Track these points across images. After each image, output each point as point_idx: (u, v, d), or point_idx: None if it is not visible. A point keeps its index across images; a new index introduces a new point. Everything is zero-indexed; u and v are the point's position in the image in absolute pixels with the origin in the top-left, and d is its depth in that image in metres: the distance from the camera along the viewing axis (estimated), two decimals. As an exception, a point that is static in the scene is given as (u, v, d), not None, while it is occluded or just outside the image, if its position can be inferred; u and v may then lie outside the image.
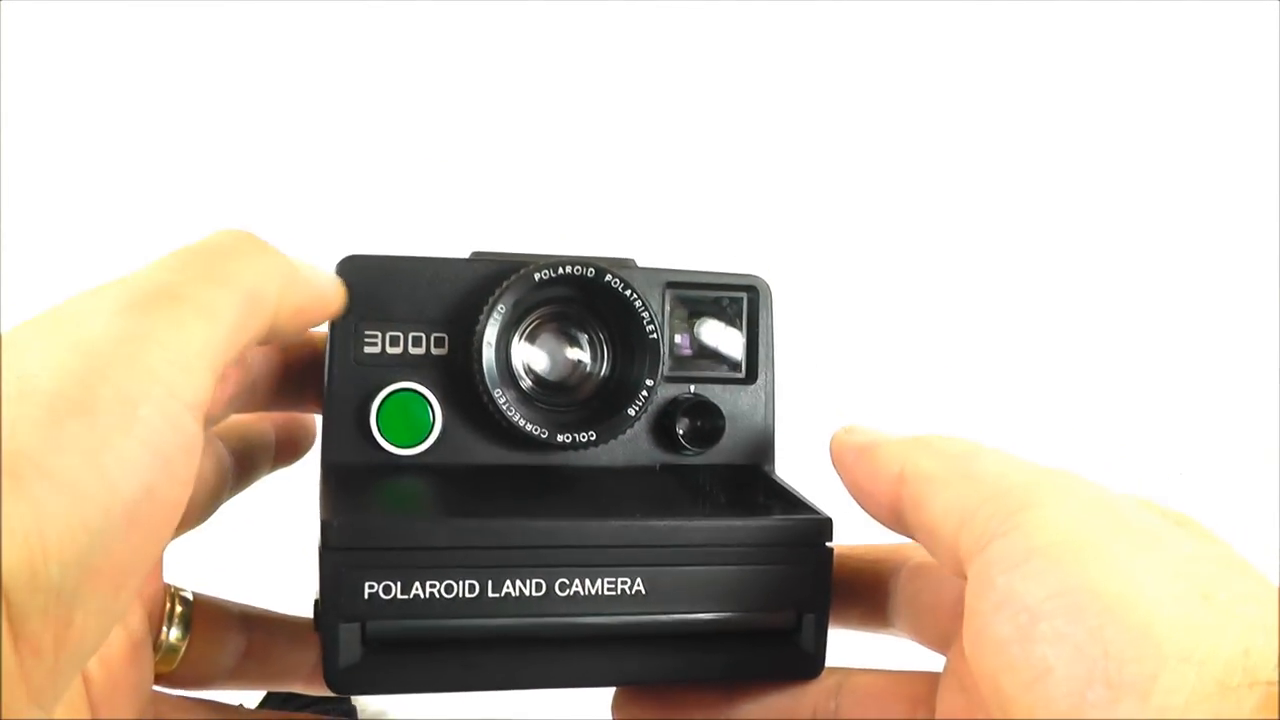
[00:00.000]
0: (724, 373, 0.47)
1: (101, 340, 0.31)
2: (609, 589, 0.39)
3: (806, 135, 0.92)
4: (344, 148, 0.87)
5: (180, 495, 0.33)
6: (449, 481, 0.43)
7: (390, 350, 0.44)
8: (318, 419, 0.48)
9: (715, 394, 0.46)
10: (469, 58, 0.89)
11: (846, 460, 0.40)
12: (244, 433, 0.47)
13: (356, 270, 0.44)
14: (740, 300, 0.47)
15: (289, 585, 0.54)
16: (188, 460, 0.32)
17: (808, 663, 0.41)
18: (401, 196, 0.85)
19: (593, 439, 0.44)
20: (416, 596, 0.38)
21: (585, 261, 0.43)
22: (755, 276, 0.47)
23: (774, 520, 0.41)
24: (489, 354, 0.43)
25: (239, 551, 0.60)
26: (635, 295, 0.44)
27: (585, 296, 0.45)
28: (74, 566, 0.29)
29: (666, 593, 0.40)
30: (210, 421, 0.41)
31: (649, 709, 0.44)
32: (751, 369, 0.47)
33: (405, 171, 0.86)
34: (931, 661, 0.42)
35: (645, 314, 0.44)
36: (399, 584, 0.37)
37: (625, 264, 0.46)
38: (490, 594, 0.38)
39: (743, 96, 0.92)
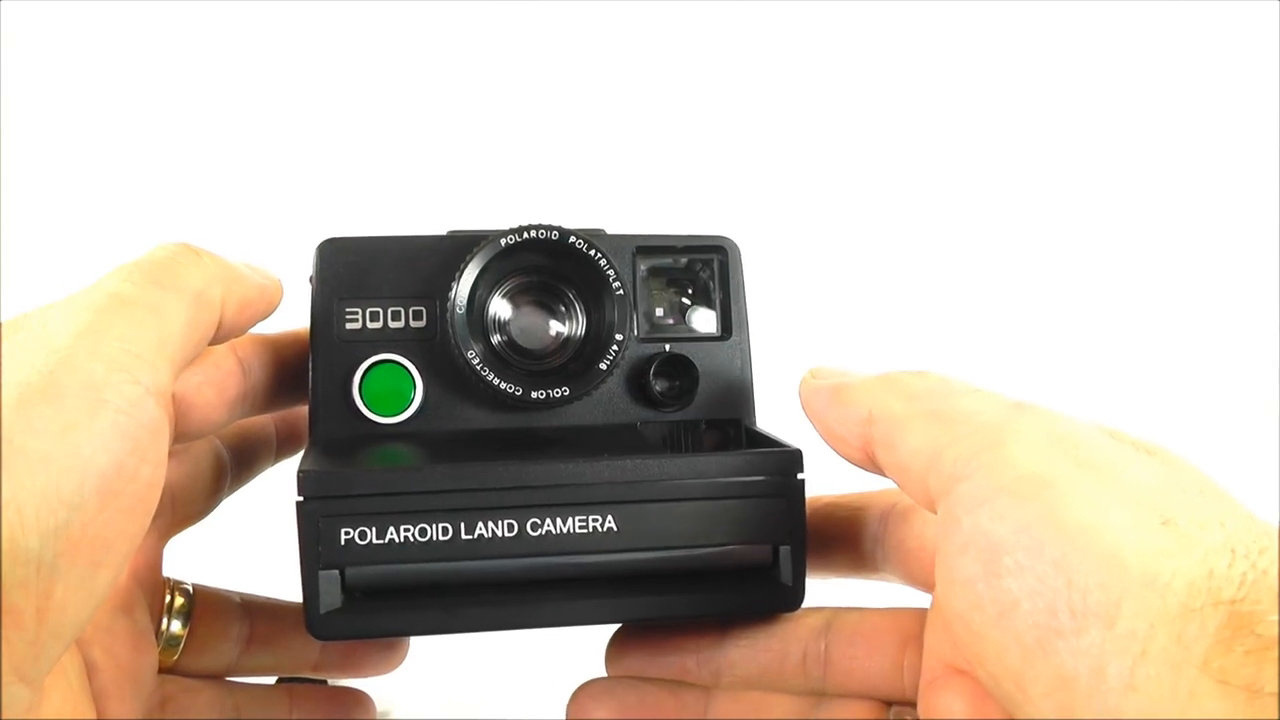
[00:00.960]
0: (699, 332, 0.48)
1: (63, 337, 0.35)
2: (580, 527, 0.40)
3: (771, 104, 0.94)
4: (319, 135, 0.90)
5: (152, 475, 0.35)
6: (429, 442, 0.44)
7: (370, 325, 0.46)
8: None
9: (690, 350, 0.47)
10: (441, 43, 0.93)
11: (816, 405, 0.40)
12: (242, 430, 0.49)
13: (335, 251, 0.46)
14: (711, 262, 0.48)
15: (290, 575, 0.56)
16: (154, 441, 0.35)
17: (787, 595, 0.42)
18: (377, 180, 0.88)
19: (566, 394, 0.45)
20: (392, 541, 0.39)
21: (549, 226, 0.45)
22: (723, 237, 0.49)
23: (743, 455, 0.42)
24: (460, 316, 0.44)
25: (240, 544, 0.61)
26: (599, 254, 0.45)
27: (552, 261, 0.46)
28: (52, 537, 0.32)
29: (639, 530, 0.40)
30: (208, 426, 0.43)
31: (641, 657, 0.44)
32: (726, 325, 0.48)
33: (379, 155, 0.89)
34: (921, 599, 0.42)
35: (610, 271, 0.45)
36: (374, 529, 0.39)
37: (595, 233, 0.47)
38: (463, 536, 0.39)
39: (706, 66, 0.94)
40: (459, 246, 0.46)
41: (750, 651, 0.43)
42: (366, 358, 0.45)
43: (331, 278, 0.45)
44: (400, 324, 0.46)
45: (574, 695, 0.45)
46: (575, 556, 0.40)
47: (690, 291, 0.48)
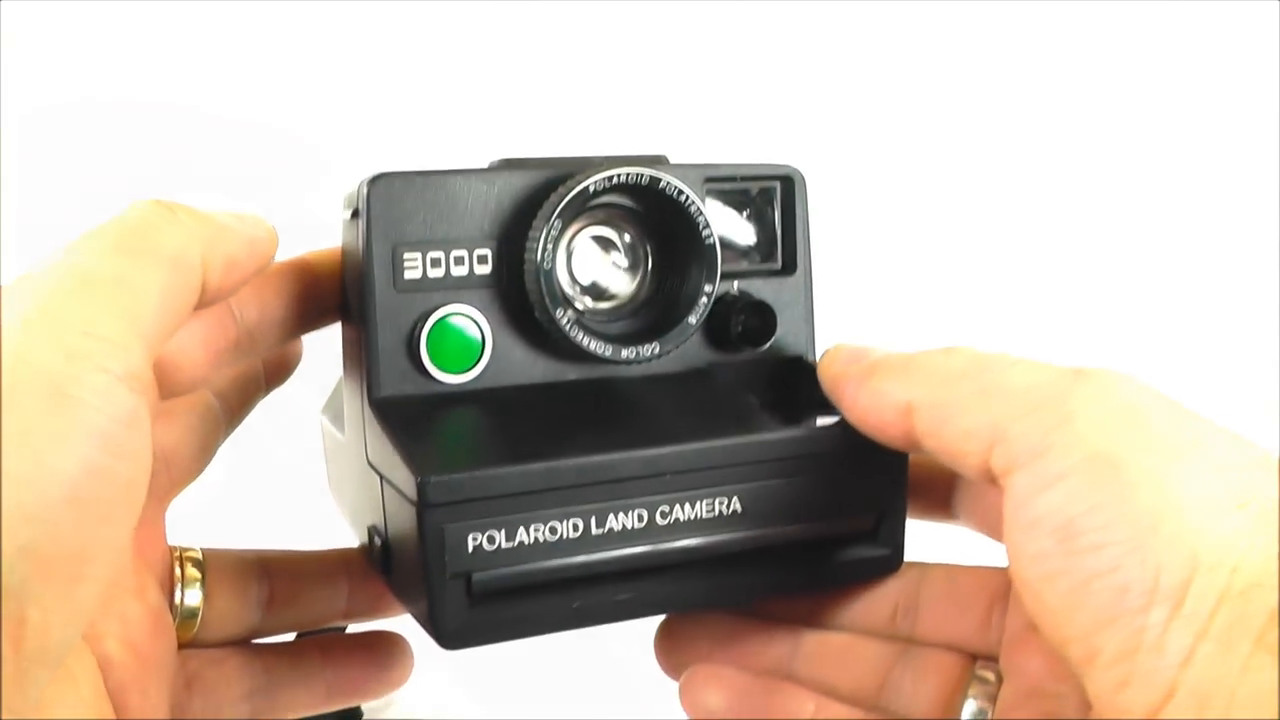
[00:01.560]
0: (763, 265, 0.45)
1: (14, 331, 0.29)
2: (707, 511, 0.38)
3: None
4: (352, 51, 0.79)
5: (134, 472, 0.31)
6: (514, 412, 0.41)
7: (432, 273, 0.40)
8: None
9: (757, 288, 0.45)
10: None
11: (845, 397, 0.39)
12: (228, 372, 0.44)
13: (390, 189, 0.40)
14: (773, 190, 0.45)
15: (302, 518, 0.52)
16: (132, 433, 0.31)
17: (889, 561, 0.42)
18: (400, 103, 0.78)
19: (656, 353, 0.42)
20: (521, 543, 0.36)
21: (638, 168, 0.40)
22: (789, 166, 0.45)
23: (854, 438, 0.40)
24: (548, 273, 0.40)
25: (238, 493, 0.55)
26: (690, 200, 0.41)
27: (639, 204, 0.42)
28: (20, 559, 0.28)
29: (761, 508, 0.39)
30: (197, 383, 0.39)
31: (704, 641, 0.44)
32: (789, 260, 0.46)
33: (403, 77, 0.78)
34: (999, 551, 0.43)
35: (700, 218, 0.41)
36: (503, 532, 0.36)
37: (659, 160, 0.43)
38: (594, 530, 0.37)
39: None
40: (527, 183, 0.41)
41: (844, 612, 0.44)
42: (432, 309, 0.40)
43: (387, 219, 0.40)
44: (464, 270, 0.41)
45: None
46: (701, 539, 0.39)
47: (755, 224, 0.45)
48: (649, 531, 0.38)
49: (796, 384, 0.45)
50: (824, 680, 0.42)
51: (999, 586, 0.42)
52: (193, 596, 0.42)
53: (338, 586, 0.46)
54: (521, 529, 0.36)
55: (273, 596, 0.45)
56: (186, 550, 0.43)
